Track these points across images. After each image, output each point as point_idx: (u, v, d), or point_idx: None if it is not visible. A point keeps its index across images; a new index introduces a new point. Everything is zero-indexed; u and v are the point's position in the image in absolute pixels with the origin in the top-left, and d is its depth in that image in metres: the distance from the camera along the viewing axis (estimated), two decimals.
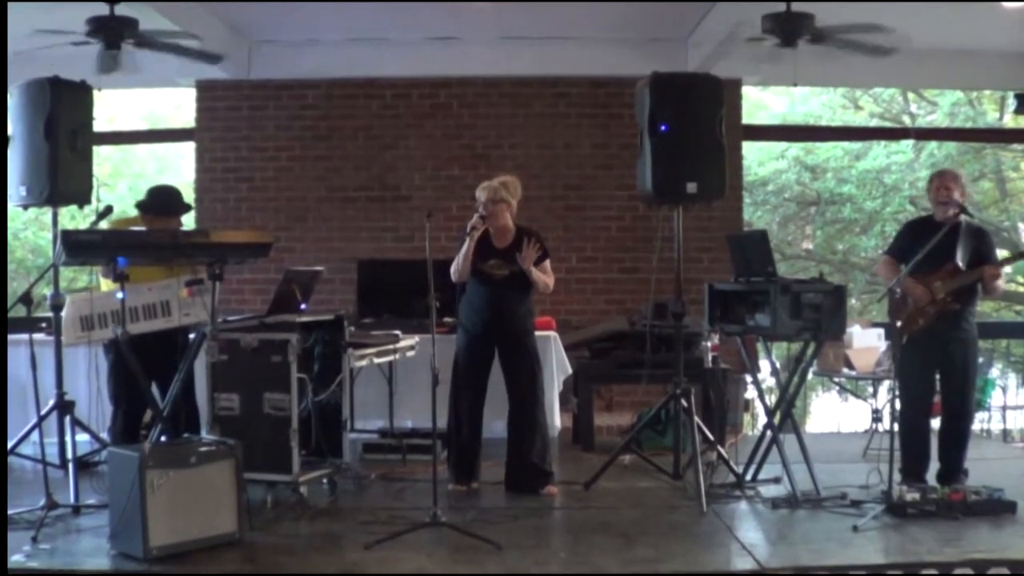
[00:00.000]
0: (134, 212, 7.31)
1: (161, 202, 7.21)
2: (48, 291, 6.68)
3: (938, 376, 6.89)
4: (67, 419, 6.56)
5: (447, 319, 7.59)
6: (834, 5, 7.84)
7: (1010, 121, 17.60)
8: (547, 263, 7.11)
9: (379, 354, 7.39)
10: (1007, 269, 6.93)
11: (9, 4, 6.88)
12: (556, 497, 6.95)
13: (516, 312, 7.05)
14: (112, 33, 7.88)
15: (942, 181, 6.86)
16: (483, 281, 6.99)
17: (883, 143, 17.98)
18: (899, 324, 6.62)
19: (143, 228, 7.06)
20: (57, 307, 6.50)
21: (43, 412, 6.55)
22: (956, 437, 6.83)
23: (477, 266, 6.95)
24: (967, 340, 6.79)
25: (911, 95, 19.31)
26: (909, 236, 6.98)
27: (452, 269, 6.99)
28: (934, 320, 6.66)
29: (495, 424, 7.47)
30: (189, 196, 10.51)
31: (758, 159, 18.29)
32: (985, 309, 15.60)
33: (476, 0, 9.03)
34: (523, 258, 6.86)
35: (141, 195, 7.43)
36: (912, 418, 6.79)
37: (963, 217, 6.72)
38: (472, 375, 7.07)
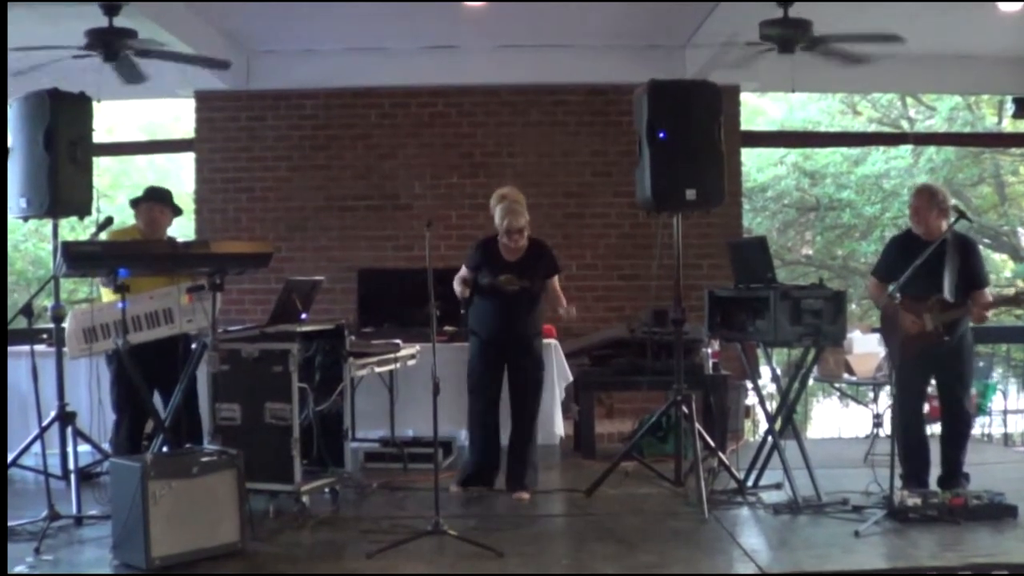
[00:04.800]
0: (133, 222, 7.35)
1: (154, 191, 7.41)
2: (49, 302, 6.69)
3: (935, 381, 6.91)
4: (69, 430, 6.57)
5: (448, 328, 7.61)
6: (830, 7, 7.86)
7: (1008, 125, 17.60)
8: (556, 279, 7.19)
9: (380, 363, 7.41)
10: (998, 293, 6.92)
11: (9, 15, 6.89)
12: (554, 500, 7.02)
13: (527, 319, 7.13)
14: (111, 45, 7.89)
15: (916, 203, 6.88)
16: (494, 294, 7.01)
17: (882, 148, 18.01)
18: (895, 351, 6.59)
19: (140, 237, 7.13)
20: (58, 318, 6.51)
21: (45, 423, 6.56)
22: (955, 440, 6.84)
23: (489, 280, 6.97)
24: (961, 346, 6.80)
25: (909, 100, 19.36)
26: (893, 255, 6.98)
27: (455, 288, 7.07)
28: (925, 346, 6.66)
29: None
30: (189, 207, 10.60)
31: (757, 165, 18.33)
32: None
33: (471, 0, 9.03)
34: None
35: None
36: (911, 424, 6.79)
37: (954, 225, 6.72)
38: (488, 381, 7.13)
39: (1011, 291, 6.86)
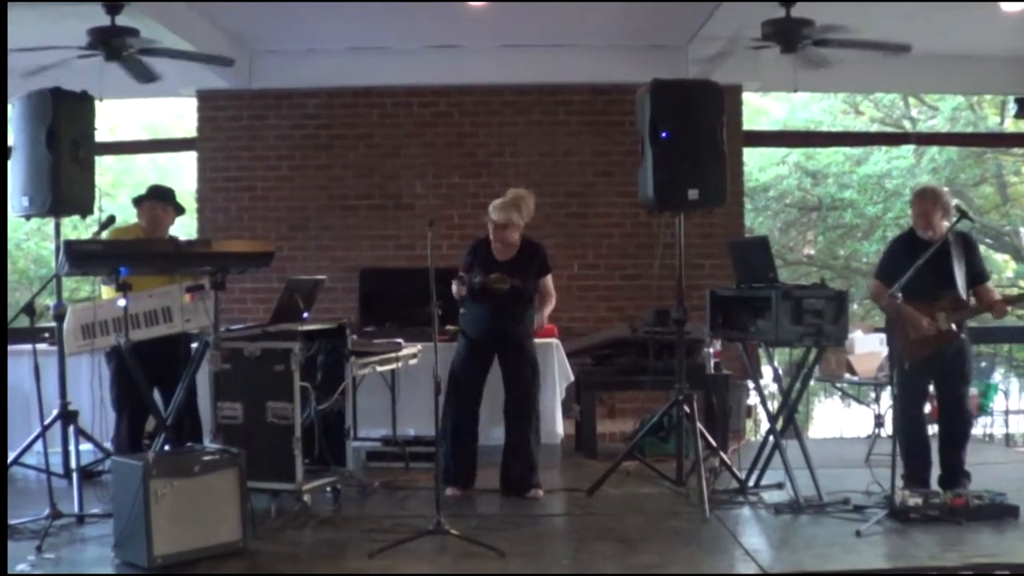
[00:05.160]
0: (136, 221, 7.36)
1: (157, 189, 7.42)
2: (51, 301, 6.69)
3: (934, 381, 6.91)
4: (71, 429, 6.56)
5: (449, 327, 7.61)
6: (832, 7, 7.85)
7: (1011, 125, 17.58)
8: (549, 278, 7.19)
9: (382, 362, 7.40)
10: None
11: (11, 16, 6.90)
12: (556, 500, 7.02)
13: (518, 320, 7.12)
14: (113, 44, 7.90)
15: (921, 208, 6.84)
16: (485, 295, 7.01)
17: (884, 148, 17.99)
18: (902, 351, 6.57)
19: (142, 236, 7.14)
20: (60, 317, 6.50)
21: (47, 422, 6.55)
22: (957, 440, 6.84)
23: (480, 279, 6.97)
24: (962, 345, 6.80)
25: (912, 100, 19.34)
26: (896, 257, 6.94)
27: (452, 289, 7.07)
28: (936, 348, 6.66)
29: (490, 431, 7.50)
30: (191, 206, 10.61)
31: (759, 165, 18.32)
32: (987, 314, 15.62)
33: (473, 0, 9.03)
34: None
35: None
36: (912, 424, 6.79)
37: (957, 224, 6.72)
38: (472, 382, 7.11)
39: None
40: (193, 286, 6.60)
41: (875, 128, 19.44)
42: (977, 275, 6.80)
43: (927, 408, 7.15)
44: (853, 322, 8.86)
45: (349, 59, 10.58)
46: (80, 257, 5.98)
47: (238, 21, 9.69)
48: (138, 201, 7.35)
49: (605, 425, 9.33)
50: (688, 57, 10.37)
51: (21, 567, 5.29)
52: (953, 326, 6.66)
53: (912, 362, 6.57)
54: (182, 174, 16.42)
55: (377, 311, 9.12)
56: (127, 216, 8.64)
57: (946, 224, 6.79)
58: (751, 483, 7.04)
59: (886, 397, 8.60)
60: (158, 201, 7.29)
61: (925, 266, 6.32)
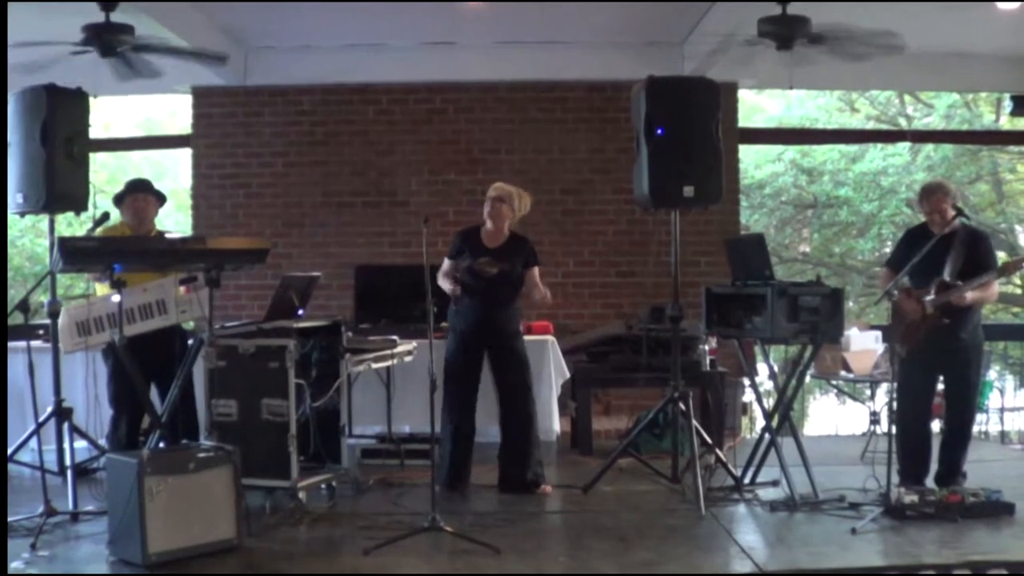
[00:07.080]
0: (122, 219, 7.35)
1: (135, 182, 7.46)
2: (45, 298, 6.68)
3: (940, 378, 6.89)
4: (65, 426, 6.55)
5: (444, 324, 7.61)
6: (830, 6, 7.85)
7: (1006, 123, 17.62)
8: (536, 272, 7.20)
9: (377, 359, 7.39)
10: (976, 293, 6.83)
11: (8, 12, 6.88)
12: (552, 497, 7.01)
13: (505, 311, 7.14)
14: (107, 40, 7.88)
15: (933, 204, 6.80)
16: (473, 280, 7.01)
17: (879, 146, 18.00)
18: (898, 339, 6.57)
19: (130, 232, 7.14)
20: (54, 314, 6.50)
21: (41, 419, 6.55)
22: (957, 440, 6.83)
23: (468, 263, 6.99)
24: (968, 346, 6.77)
25: (907, 97, 19.35)
26: (906, 247, 6.94)
27: (443, 285, 7.09)
28: (929, 334, 6.64)
29: (487, 429, 7.49)
30: (185, 202, 10.58)
31: (755, 162, 18.31)
32: (983, 311, 15.58)
33: (471, 0, 9.03)
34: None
35: None
36: (911, 421, 6.79)
37: (960, 220, 6.71)
38: (464, 376, 7.11)
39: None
40: (186, 278, 6.61)
41: (871, 125, 19.45)
42: (979, 268, 6.73)
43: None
44: (849, 319, 8.87)
45: (345, 56, 10.56)
46: (74, 254, 5.96)
47: (233, 17, 9.66)
48: (119, 199, 7.35)
49: (600, 422, 9.32)
50: (684, 54, 10.37)
51: (15, 565, 5.29)
52: (944, 316, 6.62)
53: (916, 358, 6.55)
54: (177, 171, 16.40)
55: (372, 308, 9.11)
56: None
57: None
58: (747, 480, 7.05)
59: (881, 394, 8.61)
60: (139, 193, 7.29)
61: (926, 256, 6.33)
